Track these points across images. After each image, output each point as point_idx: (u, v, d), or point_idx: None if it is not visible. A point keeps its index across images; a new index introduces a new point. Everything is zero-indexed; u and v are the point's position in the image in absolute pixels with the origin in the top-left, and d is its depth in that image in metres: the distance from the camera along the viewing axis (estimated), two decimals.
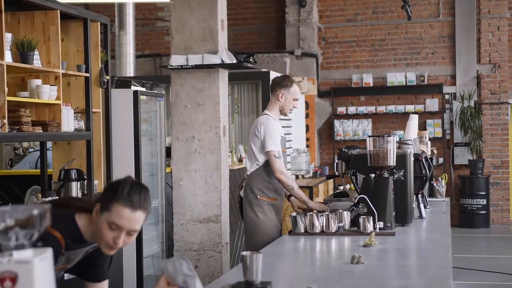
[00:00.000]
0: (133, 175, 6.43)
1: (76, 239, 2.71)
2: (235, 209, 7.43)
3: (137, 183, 2.71)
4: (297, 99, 5.43)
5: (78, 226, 2.72)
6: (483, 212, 12.51)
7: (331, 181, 11.49)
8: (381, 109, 13.01)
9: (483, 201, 12.47)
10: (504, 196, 12.86)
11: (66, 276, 4.71)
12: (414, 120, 5.67)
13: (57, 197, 5.13)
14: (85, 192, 5.75)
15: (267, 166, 5.26)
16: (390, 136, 4.54)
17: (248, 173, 5.40)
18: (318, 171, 11.00)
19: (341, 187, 12.55)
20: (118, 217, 2.60)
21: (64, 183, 5.53)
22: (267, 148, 5.22)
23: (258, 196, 5.31)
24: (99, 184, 6.03)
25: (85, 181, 5.72)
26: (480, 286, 8.19)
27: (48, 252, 1.83)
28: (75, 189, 5.55)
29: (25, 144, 8.92)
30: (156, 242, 6.97)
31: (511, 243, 11.56)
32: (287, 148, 9.98)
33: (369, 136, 4.58)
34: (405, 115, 12.80)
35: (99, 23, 6.06)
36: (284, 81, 5.41)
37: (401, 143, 5.30)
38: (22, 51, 4.97)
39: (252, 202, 5.34)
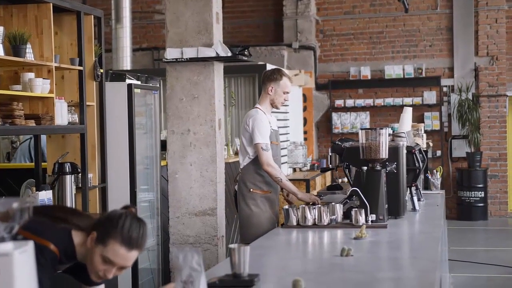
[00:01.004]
0: (127, 168, 6.44)
1: (68, 255, 2.71)
2: (231, 202, 7.44)
3: (137, 219, 2.70)
4: (287, 92, 5.44)
5: (73, 243, 2.71)
6: (481, 204, 12.52)
7: (328, 174, 11.50)
8: (379, 102, 13.01)
9: (481, 194, 12.48)
10: (502, 188, 12.87)
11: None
12: (408, 113, 5.67)
13: (55, 205, 5.05)
14: (79, 185, 5.75)
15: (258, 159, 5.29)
16: (382, 129, 4.54)
17: (241, 167, 5.44)
18: (316, 164, 11.00)
19: (339, 180, 12.57)
20: (113, 254, 2.62)
21: (58, 176, 5.53)
22: (255, 140, 5.25)
23: (251, 189, 5.34)
24: (93, 178, 6.03)
25: (79, 174, 5.72)
26: (477, 279, 8.20)
27: (29, 245, 1.83)
28: (69, 183, 5.55)
29: (22, 138, 8.92)
30: (152, 235, 6.98)
31: (509, 236, 11.58)
32: (283, 141, 10.04)
33: (361, 129, 4.59)
34: (403, 108, 12.75)
35: (92, 16, 6.05)
36: (274, 75, 5.43)
37: (394, 135, 5.30)
38: (14, 45, 4.96)
39: (245, 195, 5.37)
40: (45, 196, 5.23)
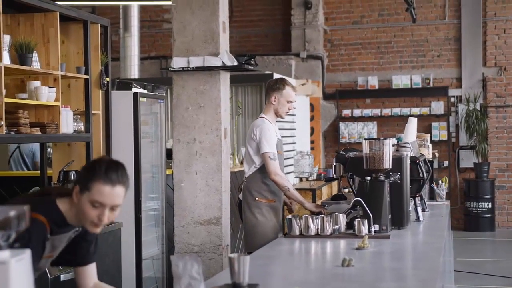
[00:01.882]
0: (133, 177, 6.46)
1: (59, 223, 2.77)
2: (236, 211, 7.44)
3: (112, 161, 2.80)
4: (291, 101, 5.48)
5: (60, 210, 2.78)
6: (488, 215, 12.47)
7: (335, 184, 11.48)
8: (387, 111, 12.99)
9: (488, 205, 12.43)
10: (510, 199, 12.82)
11: (63, 277, 4.75)
12: (412, 123, 5.66)
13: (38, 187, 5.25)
14: None
15: (264, 168, 5.31)
16: (386, 139, 4.54)
17: (246, 176, 5.47)
18: (323, 174, 10.99)
19: (346, 190, 12.54)
20: (100, 195, 2.68)
21: (63, 185, 5.55)
22: (262, 150, 5.28)
23: (257, 198, 5.36)
24: None
25: None
26: None
27: (26, 253, 1.84)
28: None
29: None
30: (156, 244, 6.99)
31: None
32: (289, 150, 10.04)
33: (365, 139, 4.59)
34: None
35: (99, 25, 6.09)
36: (277, 84, 5.48)
37: (398, 146, 5.30)
38: (21, 53, 4.99)
39: (250, 204, 5.39)
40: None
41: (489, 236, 12.22)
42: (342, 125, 13.16)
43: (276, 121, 5.62)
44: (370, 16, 13.29)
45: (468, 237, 11.92)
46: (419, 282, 3.07)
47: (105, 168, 2.71)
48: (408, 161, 4.81)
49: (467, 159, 12.78)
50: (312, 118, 12.61)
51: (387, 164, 4.50)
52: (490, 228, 12.47)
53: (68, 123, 5.45)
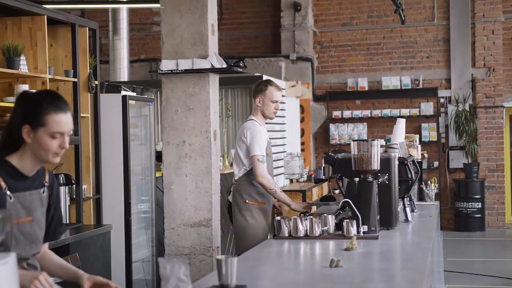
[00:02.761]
0: (122, 179, 6.46)
1: (15, 177, 2.77)
2: (226, 213, 7.45)
3: (49, 91, 2.86)
4: (275, 101, 5.53)
5: (12, 165, 2.78)
6: (478, 215, 12.52)
7: (325, 185, 11.50)
8: (376, 113, 13.03)
9: (478, 205, 12.48)
10: (499, 199, 12.87)
11: (53, 279, 4.73)
12: (401, 124, 5.68)
13: None
14: (74, 197, 5.76)
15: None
16: (374, 140, 4.56)
17: (235, 178, 5.51)
18: (313, 175, 11.00)
19: (337, 191, 12.56)
20: (58, 125, 2.74)
21: None
22: (252, 152, 5.32)
23: (247, 201, 5.39)
24: (87, 189, 6.04)
25: (73, 185, 5.74)
26: None
27: (11, 257, 1.85)
28: (63, 194, 5.56)
29: None
30: (146, 246, 6.98)
31: (506, 247, 11.56)
32: (279, 152, 10.05)
33: (353, 140, 4.60)
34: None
35: (87, 28, 6.08)
36: (259, 86, 5.58)
37: (387, 147, 5.32)
38: (8, 57, 4.99)
39: (241, 206, 5.42)
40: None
41: (479, 236, 12.26)
42: (332, 127, 13.18)
43: (266, 123, 5.64)
44: (360, 18, 13.32)
45: (458, 237, 11.96)
46: (406, 283, 3.08)
47: (50, 100, 2.76)
48: (396, 162, 4.82)
49: (457, 160, 12.83)
50: (302, 120, 12.64)
51: (375, 165, 4.52)
52: (480, 228, 12.52)
53: None
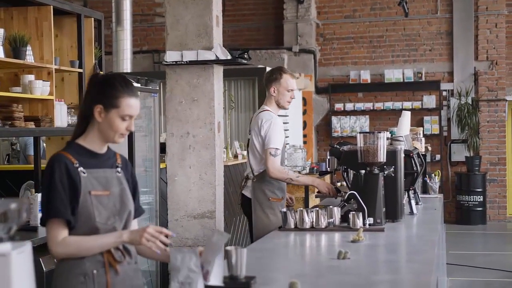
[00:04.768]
0: None
1: (85, 155, 2.91)
2: (230, 205, 7.44)
3: (121, 75, 3.00)
4: (291, 90, 5.33)
5: (80, 144, 2.92)
6: (480, 208, 12.53)
7: (327, 177, 11.51)
8: (379, 105, 13.03)
9: (479, 198, 12.49)
10: (501, 193, 12.88)
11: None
12: (406, 117, 5.68)
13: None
14: None
15: None
16: (380, 132, 4.56)
17: (255, 173, 5.27)
18: (315, 168, 11.00)
19: (339, 184, 12.57)
20: (130, 108, 2.88)
21: None
22: (266, 145, 5.13)
23: (270, 198, 5.22)
24: None
25: None
26: (476, 283, 8.21)
27: (26, 246, 1.85)
28: None
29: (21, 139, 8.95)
30: None
31: (508, 240, 11.59)
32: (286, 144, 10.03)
33: (359, 133, 4.60)
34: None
35: (92, 18, 6.08)
36: (273, 75, 5.36)
37: (392, 139, 5.32)
38: (15, 47, 4.98)
39: (263, 204, 5.23)
40: (27, 199, 5.24)
41: (481, 229, 12.28)
42: (334, 119, 13.18)
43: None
44: (362, 10, 13.30)
45: (460, 230, 11.98)
46: (414, 275, 3.09)
47: (125, 83, 2.90)
48: (402, 155, 4.82)
49: (459, 153, 12.84)
50: (304, 112, 12.63)
51: (382, 157, 4.52)
52: (481, 222, 12.54)
53: (62, 117, 5.44)
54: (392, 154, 4.67)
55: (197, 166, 5.99)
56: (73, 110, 5.77)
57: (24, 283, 1.82)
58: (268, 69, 10.06)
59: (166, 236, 2.85)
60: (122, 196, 2.97)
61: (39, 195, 5.23)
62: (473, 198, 12.48)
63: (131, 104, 2.88)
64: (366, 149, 4.53)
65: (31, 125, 5.10)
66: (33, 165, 6.02)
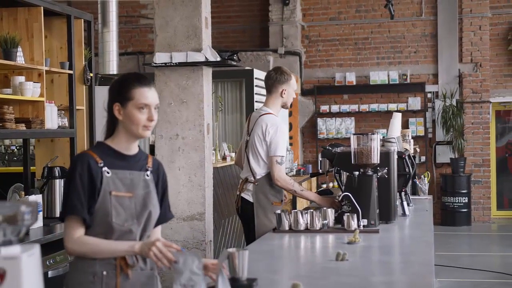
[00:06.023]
0: None
1: (112, 155, 2.93)
2: (219, 207, 7.43)
3: (134, 72, 3.04)
4: (296, 89, 5.33)
5: (108, 145, 2.95)
6: (465, 210, 12.60)
7: (314, 179, 11.54)
8: (364, 107, 13.06)
9: (464, 199, 12.56)
10: (485, 194, 12.96)
11: (51, 273, 4.71)
12: (397, 118, 5.69)
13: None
14: None
15: None
16: (374, 134, 4.56)
17: (257, 177, 5.13)
18: (302, 169, 11.02)
19: (324, 185, 12.60)
20: (144, 97, 2.89)
21: (47, 181, 5.50)
22: (272, 152, 5.00)
23: (273, 202, 5.11)
24: None
25: None
26: (462, 283, 8.25)
27: (36, 248, 1.83)
28: (59, 187, 5.52)
29: (7, 142, 8.88)
30: None
31: (492, 241, 11.66)
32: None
33: (353, 134, 4.60)
34: (388, 113, 12.86)
35: (82, 20, 6.04)
36: (284, 76, 5.19)
37: (384, 141, 5.32)
38: (5, 48, 4.94)
39: (266, 208, 5.11)
40: (35, 200, 5.20)
41: (466, 230, 12.35)
42: (320, 121, 13.20)
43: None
44: (348, 13, 13.34)
45: (445, 232, 12.03)
46: (414, 276, 3.08)
47: (135, 77, 2.95)
48: (395, 156, 4.84)
49: (444, 155, 12.90)
50: (290, 114, 12.64)
51: (375, 159, 4.53)
52: (466, 223, 12.61)
53: (52, 119, 5.40)
54: (385, 156, 4.68)
55: (186, 168, 5.98)
56: (63, 112, 5.73)
57: (35, 285, 1.80)
58: (256, 71, 10.07)
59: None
60: (145, 199, 2.97)
61: (30, 197, 5.19)
62: (458, 199, 12.55)
63: (145, 93, 2.90)
64: (360, 151, 4.53)
65: (22, 127, 5.05)
66: (22, 168, 5.97)
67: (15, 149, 9.53)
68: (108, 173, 2.88)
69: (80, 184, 2.83)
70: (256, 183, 5.12)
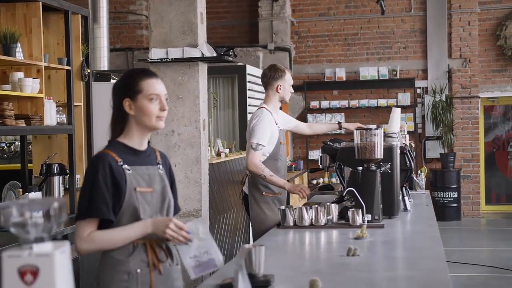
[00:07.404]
0: None
1: (128, 152, 2.92)
2: (214, 204, 7.40)
3: (136, 68, 3.08)
4: (292, 84, 5.51)
5: (122, 142, 2.93)
6: (455, 205, 12.66)
7: (305, 175, 11.54)
8: (354, 103, 13.08)
9: (454, 194, 12.61)
10: (475, 189, 13.02)
11: None
12: (397, 113, 5.70)
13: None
14: (67, 187, 5.68)
15: (269, 162, 5.20)
16: (377, 129, 4.56)
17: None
18: (293, 165, 11.02)
19: (314, 181, 12.61)
20: (152, 88, 2.89)
21: (46, 178, 5.45)
22: (249, 138, 5.19)
23: (264, 193, 5.25)
24: (81, 179, 5.95)
25: (67, 175, 5.65)
26: (452, 278, 8.26)
27: (66, 246, 1.81)
28: (57, 184, 5.48)
29: (10, 138, 8.82)
30: None
31: (482, 236, 11.73)
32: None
33: (356, 129, 4.59)
34: (378, 109, 12.90)
35: (80, 15, 5.99)
36: (278, 73, 5.39)
37: (385, 136, 5.32)
38: (5, 43, 4.88)
39: (258, 199, 5.27)
40: (35, 197, 5.15)
41: (456, 225, 12.40)
42: (310, 117, 13.20)
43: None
44: (337, 8, 13.34)
45: None
46: (430, 271, 3.06)
47: (140, 71, 2.97)
48: (398, 151, 4.84)
49: (433, 150, 12.95)
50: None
51: (379, 154, 4.52)
52: (456, 218, 12.67)
53: (51, 115, 5.35)
54: (388, 151, 4.68)
55: (183, 165, 5.96)
56: (61, 108, 5.68)
57: (66, 281, 1.78)
58: (248, 67, 10.04)
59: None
60: (163, 193, 2.96)
61: (30, 194, 5.15)
62: (448, 194, 12.60)
63: (153, 84, 2.90)
64: (363, 146, 4.53)
65: (22, 123, 5.00)
66: (13, 165, 5.92)
67: (5, 147, 9.45)
68: (128, 170, 2.87)
69: (104, 185, 2.80)
70: (249, 176, 5.29)
